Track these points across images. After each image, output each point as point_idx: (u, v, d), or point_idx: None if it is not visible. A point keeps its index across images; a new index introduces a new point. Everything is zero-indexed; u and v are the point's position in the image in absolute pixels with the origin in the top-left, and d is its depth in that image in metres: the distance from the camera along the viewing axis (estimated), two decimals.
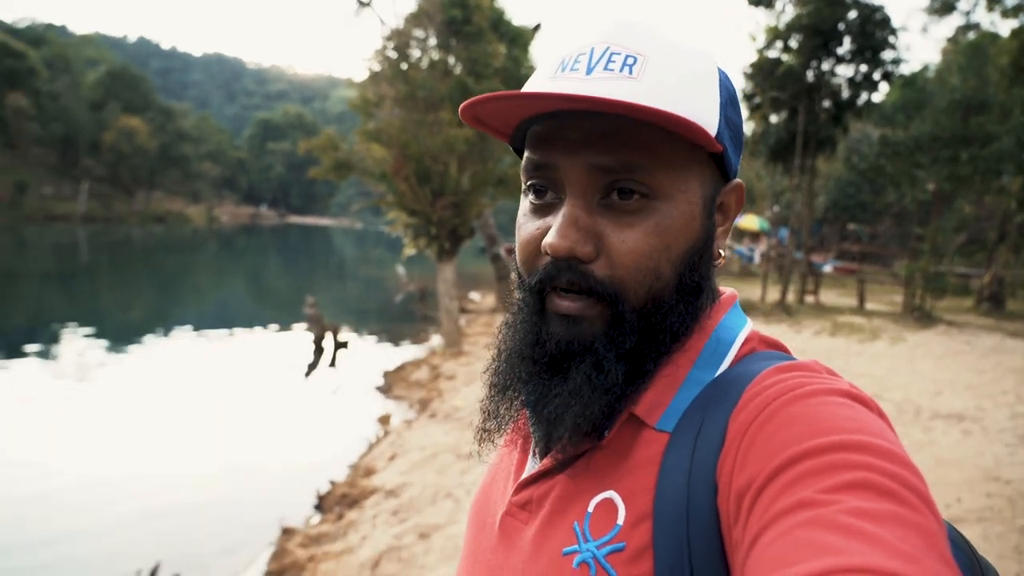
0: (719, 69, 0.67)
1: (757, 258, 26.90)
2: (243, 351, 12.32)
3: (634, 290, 0.62)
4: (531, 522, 0.67)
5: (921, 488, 0.48)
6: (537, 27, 16.69)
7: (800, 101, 14.54)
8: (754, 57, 15.05)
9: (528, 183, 0.67)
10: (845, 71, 14.87)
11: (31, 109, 52.80)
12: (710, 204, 0.67)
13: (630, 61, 0.61)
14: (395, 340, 13.74)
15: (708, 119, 0.63)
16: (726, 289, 0.73)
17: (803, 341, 10.51)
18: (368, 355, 12.21)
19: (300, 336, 12.84)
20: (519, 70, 12.29)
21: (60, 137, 57.10)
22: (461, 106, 0.63)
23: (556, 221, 0.62)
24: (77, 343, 12.02)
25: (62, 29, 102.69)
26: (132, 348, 12.01)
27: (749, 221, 31.08)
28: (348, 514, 5.02)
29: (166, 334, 13.61)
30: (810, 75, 14.67)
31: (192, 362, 11.17)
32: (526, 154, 0.66)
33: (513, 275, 0.71)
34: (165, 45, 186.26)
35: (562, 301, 0.63)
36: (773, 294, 15.28)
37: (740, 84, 15.29)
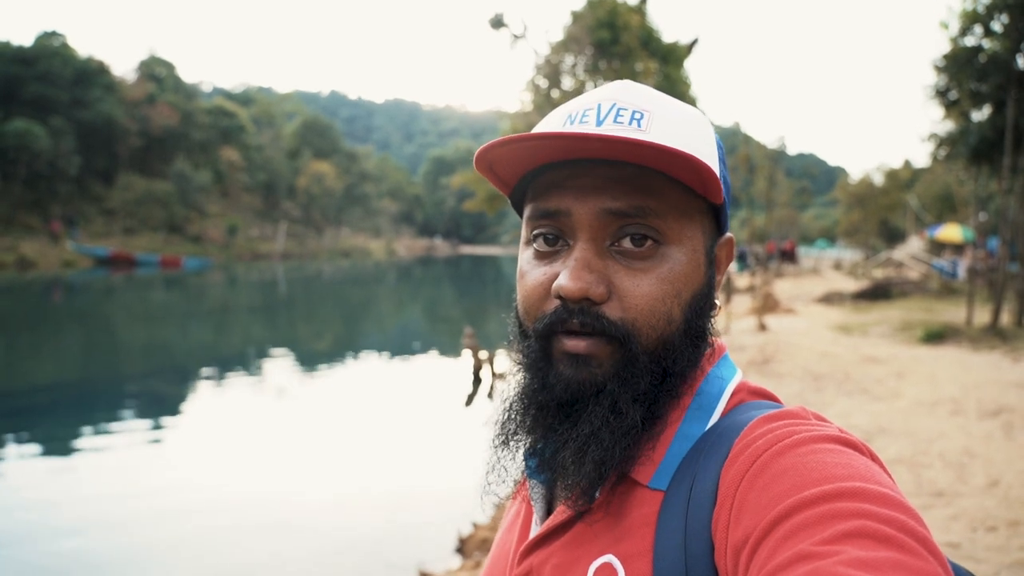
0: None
1: (962, 273, 23.70)
2: (411, 378, 12.79)
3: (647, 333, 0.63)
4: None
5: (920, 532, 0.47)
6: (694, 43, 16.06)
7: (1008, 92, 12.58)
8: (946, 47, 13.32)
9: (535, 232, 0.67)
10: None
11: (241, 161, 59.98)
12: (710, 253, 0.69)
13: (637, 116, 0.65)
14: None
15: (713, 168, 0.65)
16: (715, 339, 0.72)
17: (1023, 373, 8.90)
18: None
19: (465, 365, 13.10)
20: (673, 87, 11.80)
21: (263, 184, 64.21)
22: (479, 151, 0.63)
23: (567, 265, 0.63)
24: (274, 367, 13.17)
25: (268, 90, 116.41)
26: (316, 373, 12.91)
27: (950, 232, 27.59)
28: (485, 561, 4.82)
29: (346, 360, 14.50)
30: (1020, 61, 12.68)
31: (364, 387, 11.75)
32: (532, 204, 0.67)
33: (512, 328, 0.71)
34: (352, 96, 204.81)
35: (571, 341, 0.63)
36: (983, 315, 13.25)
37: (930, 79, 13.60)
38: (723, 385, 0.68)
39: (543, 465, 0.67)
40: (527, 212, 0.68)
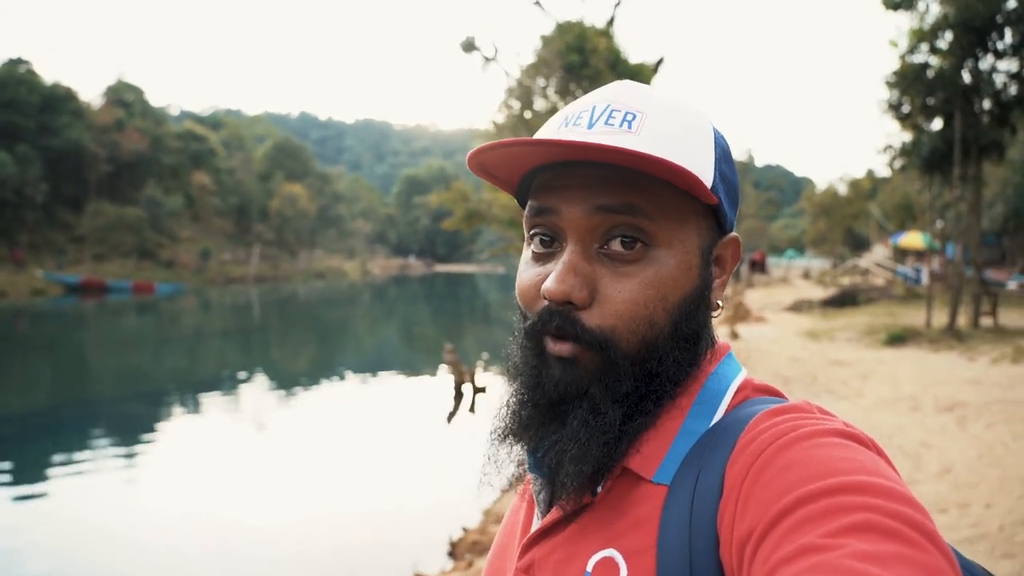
0: (713, 127, 0.70)
1: (925, 279, 24.52)
2: (391, 397, 12.91)
3: (627, 339, 0.64)
4: None
5: (926, 525, 0.47)
6: (659, 62, 16.60)
7: (955, 105, 13.29)
8: (897, 64, 14.01)
9: (531, 232, 0.69)
10: (1008, 66, 13.44)
11: (212, 185, 59.58)
12: (707, 255, 0.69)
13: (629, 117, 0.65)
14: None
15: (703, 171, 0.65)
16: (720, 339, 0.74)
17: (979, 370, 9.40)
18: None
19: (445, 381, 13.28)
20: None
21: (235, 207, 63.80)
22: (468, 154, 0.66)
23: (556, 267, 0.64)
24: (252, 391, 13.18)
25: (237, 112, 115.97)
26: (293, 395, 12.95)
27: (912, 239, 28.52)
28: (478, 562, 5.06)
29: (325, 380, 14.56)
30: (965, 76, 13.40)
31: (343, 407, 11.85)
32: (529, 202, 0.69)
33: (516, 324, 0.73)
34: (323, 116, 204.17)
35: (556, 344, 0.64)
36: (942, 318, 13.83)
37: (883, 94, 14.27)
38: (727, 383, 0.68)
39: (538, 464, 0.68)
40: (525, 211, 0.70)
